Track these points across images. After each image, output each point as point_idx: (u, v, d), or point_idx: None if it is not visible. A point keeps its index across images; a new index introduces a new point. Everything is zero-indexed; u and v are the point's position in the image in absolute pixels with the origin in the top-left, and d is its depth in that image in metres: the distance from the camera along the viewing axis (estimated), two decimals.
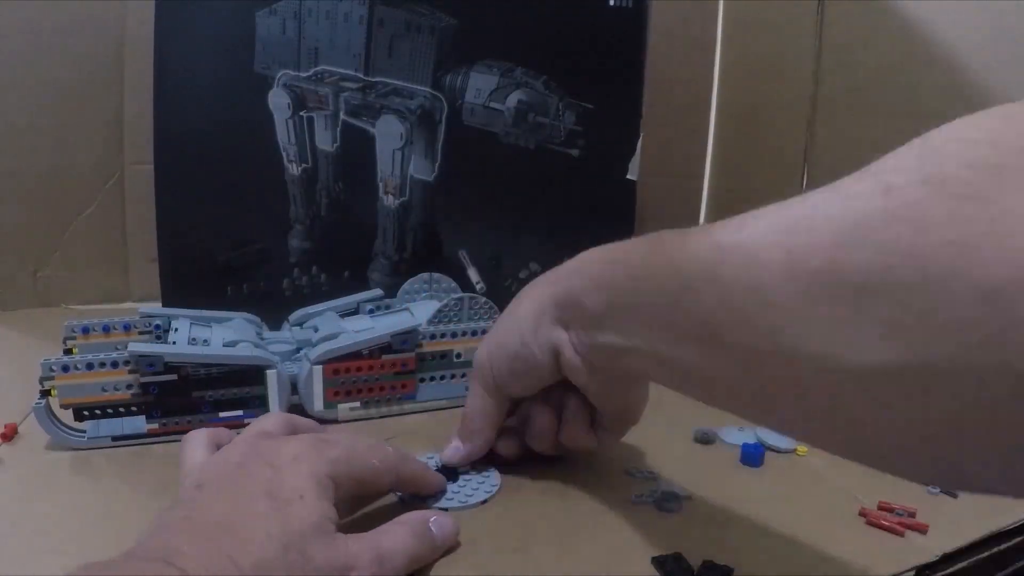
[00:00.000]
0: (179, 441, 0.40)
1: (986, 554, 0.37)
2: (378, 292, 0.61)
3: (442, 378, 0.53)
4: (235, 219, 0.64)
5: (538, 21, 0.65)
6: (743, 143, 0.83)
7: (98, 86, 0.69)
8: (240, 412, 0.48)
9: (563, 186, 0.68)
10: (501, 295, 0.68)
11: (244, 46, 0.61)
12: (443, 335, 0.53)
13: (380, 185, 0.65)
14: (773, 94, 0.76)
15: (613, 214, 0.70)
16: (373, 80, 0.63)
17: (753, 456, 0.45)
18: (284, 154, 0.63)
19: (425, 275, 0.62)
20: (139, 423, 0.46)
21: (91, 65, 0.69)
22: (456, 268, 0.67)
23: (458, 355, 0.53)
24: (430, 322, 0.52)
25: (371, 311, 0.59)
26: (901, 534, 0.37)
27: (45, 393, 0.44)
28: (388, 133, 0.64)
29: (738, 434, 0.48)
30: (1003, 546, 0.38)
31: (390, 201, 0.65)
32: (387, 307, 0.60)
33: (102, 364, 0.44)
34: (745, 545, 0.37)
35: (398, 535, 0.33)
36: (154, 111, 0.62)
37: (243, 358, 0.47)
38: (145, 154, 0.64)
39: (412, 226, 0.66)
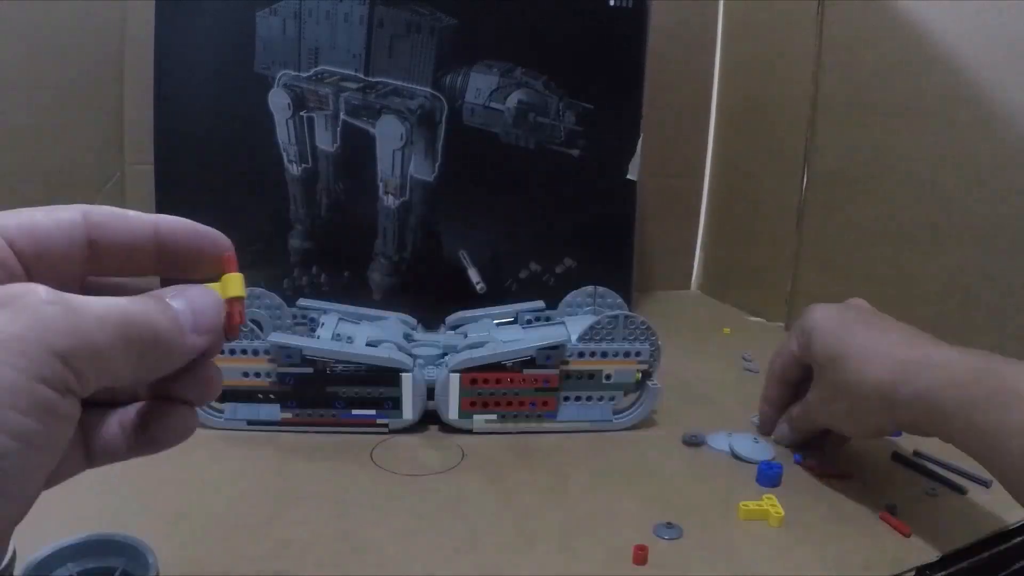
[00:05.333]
0: (310, 432, 0.46)
1: (986, 554, 0.37)
2: (540, 303, 0.58)
3: (588, 399, 0.49)
4: (235, 219, 0.64)
5: (538, 21, 0.65)
6: (743, 143, 0.83)
7: (98, 86, 0.69)
8: (373, 412, 0.48)
9: (563, 186, 0.68)
10: (501, 295, 0.68)
11: (244, 46, 0.61)
12: (592, 354, 0.48)
13: (380, 185, 0.65)
14: (773, 94, 0.76)
15: (613, 214, 0.70)
16: (373, 80, 0.63)
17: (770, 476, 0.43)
18: (284, 154, 0.63)
19: (589, 288, 0.58)
20: (274, 411, 0.47)
21: (91, 65, 0.69)
22: (456, 268, 0.67)
23: (607, 376, 0.48)
24: (581, 339, 0.48)
25: (528, 322, 0.57)
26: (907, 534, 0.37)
27: None
28: (388, 133, 0.64)
29: (724, 439, 0.48)
30: (1003, 546, 0.38)
31: (390, 201, 0.66)
32: (547, 319, 0.57)
33: (243, 351, 0.46)
34: (750, 546, 0.37)
35: None
36: (154, 111, 0.62)
37: (379, 359, 0.46)
38: (145, 154, 0.64)
39: (412, 226, 0.66)
